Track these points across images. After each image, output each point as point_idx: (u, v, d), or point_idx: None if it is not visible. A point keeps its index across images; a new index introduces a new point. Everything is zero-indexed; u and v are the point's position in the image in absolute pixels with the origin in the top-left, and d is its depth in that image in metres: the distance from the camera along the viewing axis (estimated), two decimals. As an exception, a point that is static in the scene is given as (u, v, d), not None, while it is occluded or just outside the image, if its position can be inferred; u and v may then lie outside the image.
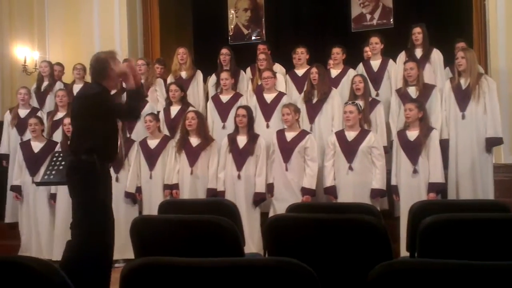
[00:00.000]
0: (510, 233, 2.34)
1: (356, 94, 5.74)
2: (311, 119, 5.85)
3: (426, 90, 5.63)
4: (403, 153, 5.17)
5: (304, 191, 5.32)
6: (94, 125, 3.64)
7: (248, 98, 6.35)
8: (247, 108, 5.68)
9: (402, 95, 5.70)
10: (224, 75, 6.29)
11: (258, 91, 6.30)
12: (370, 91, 5.94)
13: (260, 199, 5.47)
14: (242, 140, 5.54)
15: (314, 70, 5.87)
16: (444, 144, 5.42)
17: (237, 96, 6.28)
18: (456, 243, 2.30)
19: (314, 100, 5.87)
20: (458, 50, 5.78)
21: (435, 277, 1.43)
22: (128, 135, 6.06)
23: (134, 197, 5.81)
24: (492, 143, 5.37)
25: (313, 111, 5.85)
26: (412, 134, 5.17)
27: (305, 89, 6.02)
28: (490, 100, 5.36)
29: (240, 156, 5.49)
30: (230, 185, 5.52)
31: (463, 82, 5.45)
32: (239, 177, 5.48)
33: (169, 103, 6.30)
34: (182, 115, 5.89)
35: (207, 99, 6.71)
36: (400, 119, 5.62)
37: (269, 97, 6.06)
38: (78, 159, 3.65)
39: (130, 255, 5.53)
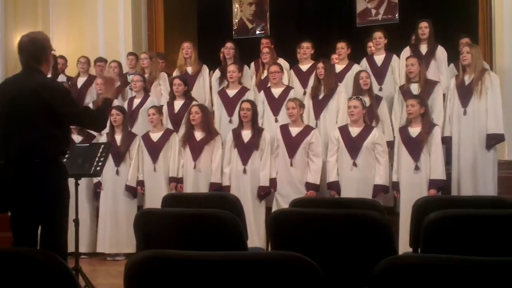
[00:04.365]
0: (514, 229, 2.33)
1: (364, 89, 5.70)
2: (317, 115, 5.83)
3: (428, 86, 5.60)
4: (405, 150, 5.16)
5: (309, 186, 5.31)
6: (62, 121, 3.24)
7: (253, 93, 6.33)
8: (251, 102, 5.68)
9: (405, 92, 5.68)
10: (232, 67, 6.26)
11: (263, 86, 6.28)
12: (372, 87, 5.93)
13: (264, 193, 5.47)
14: (246, 134, 5.53)
15: (320, 65, 5.85)
16: (448, 141, 5.40)
17: (243, 90, 6.25)
18: (460, 239, 2.29)
19: (321, 96, 5.85)
20: (463, 45, 5.75)
21: (440, 273, 1.43)
22: (129, 129, 6.06)
23: (134, 191, 5.81)
24: (493, 140, 5.30)
25: (319, 107, 5.84)
26: (414, 130, 5.15)
27: (312, 84, 6.00)
28: (492, 96, 5.31)
29: (245, 150, 5.48)
30: (235, 179, 5.52)
31: (467, 78, 5.42)
32: (244, 171, 5.48)
33: (172, 97, 6.29)
34: (185, 110, 5.89)
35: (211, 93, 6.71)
36: (403, 116, 5.61)
37: (276, 91, 6.03)
38: (57, 163, 3.25)
39: (129, 249, 5.60)
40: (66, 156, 4.23)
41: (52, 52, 3.53)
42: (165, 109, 6.24)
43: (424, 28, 6.20)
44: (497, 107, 5.33)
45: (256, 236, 5.28)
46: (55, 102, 3.20)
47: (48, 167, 3.21)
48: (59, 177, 3.28)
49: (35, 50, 3.31)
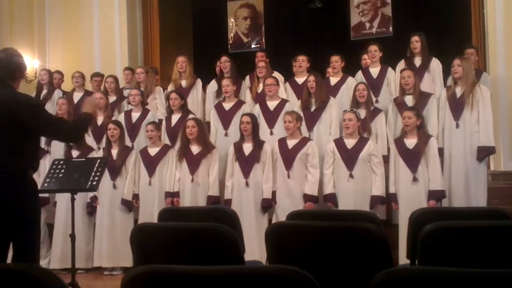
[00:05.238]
0: (511, 240, 2.33)
1: (360, 101, 5.74)
2: (310, 127, 5.85)
3: (422, 98, 5.64)
4: (402, 161, 5.16)
5: (307, 197, 5.32)
6: (33, 136, 3.26)
7: (251, 106, 6.35)
8: (251, 115, 5.69)
9: (399, 104, 5.70)
10: (225, 81, 6.29)
11: (260, 99, 6.30)
12: (372, 100, 5.95)
13: (267, 205, 5.46)
14: (247, 147, 5.55)
15: (311, 78, 5.90)
16: (440, 153, 5.42)
17: (239, 103, 6.27)
18: (457, 251, 2.29)
19: (312, 109, 5.88)
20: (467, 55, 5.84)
21: (437, 285, 1.43)
22: (130, 144, 6.06)
23: (130, 205, 5.81)
24: (483, 152, 5.34)
25: (312, 119, 5.86)
26: (410, 142, 5.17)
27: (302, 97, 6.03)
28: (483, 108, 5.36)
29: (247, 163, 5.49)
30: (237, 193, 5.52)
31: (458, 91, 5.48)
32: (246, 184, 5.47)
33: (170, 111, 6.31)
34: (182, 123, 5.90)
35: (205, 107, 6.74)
36: (397, 127, 5.63)
37: (272, 104, 6.07)
38: (25, 178, 3.22)
39: (126, 263, 5.57)
40: (62, 171, 4.24)
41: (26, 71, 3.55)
42: (162, 123, 6.26)
43: (415, 42, 6.24)
44: (488, 120, 5.38)
45: (258, 249, 5.24)
46: (26, 117, 3.18)
47: (17, 182, 3.18)
48: (29, 192, 3.24)
49: (12, 66, 3.29)
